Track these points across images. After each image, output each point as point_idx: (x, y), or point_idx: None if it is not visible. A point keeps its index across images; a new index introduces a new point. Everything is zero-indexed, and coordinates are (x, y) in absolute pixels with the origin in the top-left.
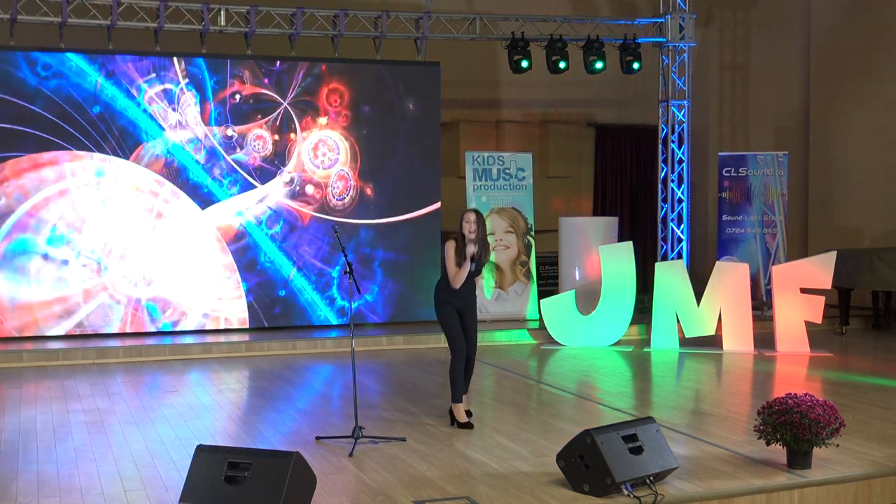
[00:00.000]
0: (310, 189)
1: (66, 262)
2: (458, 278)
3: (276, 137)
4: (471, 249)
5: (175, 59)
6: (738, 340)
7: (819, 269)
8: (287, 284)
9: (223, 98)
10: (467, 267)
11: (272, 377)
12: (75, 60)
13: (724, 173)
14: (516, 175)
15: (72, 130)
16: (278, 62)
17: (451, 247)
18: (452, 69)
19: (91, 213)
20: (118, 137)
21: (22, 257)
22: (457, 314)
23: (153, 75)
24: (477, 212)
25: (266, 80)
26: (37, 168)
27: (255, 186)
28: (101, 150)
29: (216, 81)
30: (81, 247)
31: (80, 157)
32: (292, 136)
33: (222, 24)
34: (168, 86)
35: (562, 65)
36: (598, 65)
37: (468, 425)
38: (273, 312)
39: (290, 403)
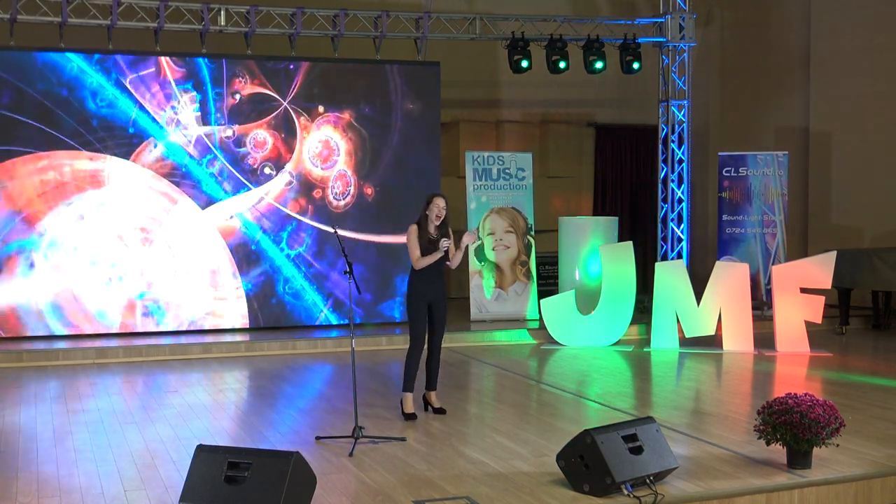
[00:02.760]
0: (310, 189)
1: (65, 263)
2: (421, 264)
3: (276, 137)
4: (445, 244)
5: (175, 58)
6: (738, 340)
7: (819, 269)
8: (287, 284)
9: (223, 98)
10: (436, 257)
11: (272, 377)
12: (75, 60)
13: (724, 173)
14: (516, 175)
15: (71, 130)
16: (279, 62)
17: (413, 232)
18: (452, 69)
19: (91, 213)
20: (118, 137)
21: (21, 257)
22: (426, 307)
23: (153, 75)
24: (445, 198)
25: (266, 80)
26: (36, 168)
27: (254, 186)
28: (101, 150)
29: (216, 81)
30: (81, 247)
31: (80, 157)
32: (292, 136)
33: (222, 24)
34: (168, 86)
35: (562, 65)
36: (598, 65)
37: (413, 416)
38: (273, 312)
39: (290, 403)
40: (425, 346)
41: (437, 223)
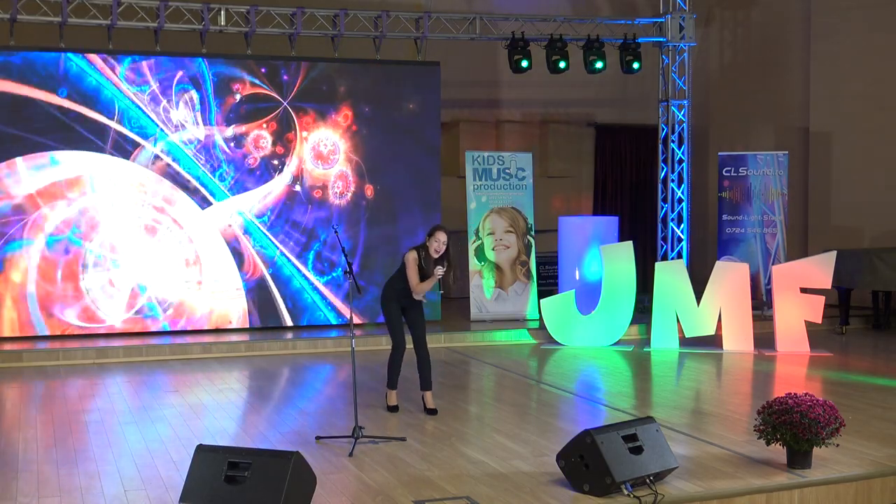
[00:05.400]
0: (310, 189)
1: (65, 263)
2: (419, 290)
3: (276, 137)
4: (440, 271)
5: (175, 59)
6: (738, 340)
7: (819, 269)
8: (287, 284)
9: (223, 98)
10: (431, 284)
11: (272, 377)
12: (75, 60)
13: (724, 173)
14: (516, 175)
15: (71, 129)
16: (279, 62)
17: (413, 259)
18: (452, 69)
19: (91, 212)
20: (118, 137)
21: (21, 256)
22: (400, 310)
23: (153, 75)
24: (448, 232)
25: (266, 80)
26: (37, 168)
27: (255, 186)
28: (101, 150)
29: (216, 81)
30: (81, 246)
31: (80, 157)
32: (292, 136)
33: (222, 24)
34: (168, 86)
35: (562, 65)
36: (598, 65)
37: (395, 408)
38: (273, 312)
39: (290, 403)
40: (409, 347)
41: (436, 257)
